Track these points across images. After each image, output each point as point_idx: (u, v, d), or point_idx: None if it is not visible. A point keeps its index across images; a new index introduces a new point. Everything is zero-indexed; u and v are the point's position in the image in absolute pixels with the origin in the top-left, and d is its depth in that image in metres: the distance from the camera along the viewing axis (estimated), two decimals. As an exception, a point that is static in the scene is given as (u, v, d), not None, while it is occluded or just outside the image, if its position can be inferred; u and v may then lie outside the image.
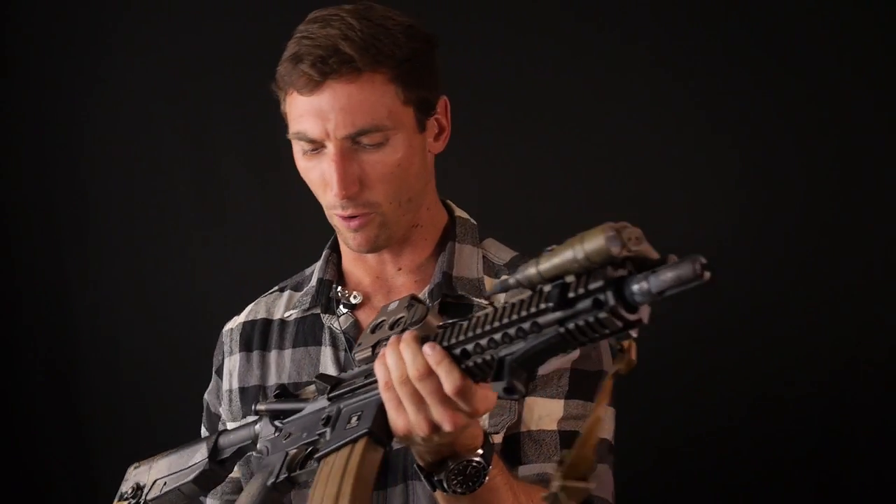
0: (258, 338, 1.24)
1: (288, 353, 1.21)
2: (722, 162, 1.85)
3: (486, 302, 1.13)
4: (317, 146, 1.08)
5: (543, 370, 1.11)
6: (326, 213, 1.13)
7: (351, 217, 1.09)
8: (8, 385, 2.13)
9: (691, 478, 1.86)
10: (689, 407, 1.84)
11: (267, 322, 1.25)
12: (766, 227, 1.85)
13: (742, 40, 1.81)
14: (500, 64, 1.87)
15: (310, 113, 1.06)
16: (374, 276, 1.19)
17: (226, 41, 2.00)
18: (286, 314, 1.23)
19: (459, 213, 1.23)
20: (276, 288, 1.29)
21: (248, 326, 1.26)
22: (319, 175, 1.09)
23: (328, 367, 1.16)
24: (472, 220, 1.23)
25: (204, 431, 1.31)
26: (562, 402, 1.13)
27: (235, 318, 1.29)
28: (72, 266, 2.11)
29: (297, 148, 1.11)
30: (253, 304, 1.29)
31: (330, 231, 1.92)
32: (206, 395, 1.31)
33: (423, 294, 1.14)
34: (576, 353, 1.12)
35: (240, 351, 1.25)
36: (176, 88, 2.03)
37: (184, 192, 2.06)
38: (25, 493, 2.16)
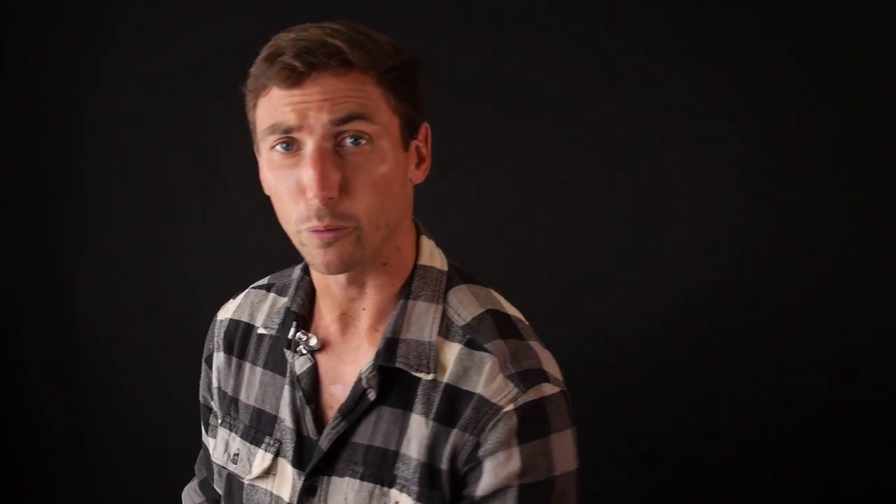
0: (238, 343, 1.18)
1: (259, 371, 1.15)
2: (719, 166, 1.85)
3: (428, 376, 1.03)
4: (292, 144, 0.97)
5: (481, 490, 1.00)
6: (293, 234, 1.02)
7: (325, 230, 0.98)
8: (8, 385, 2.13)
9: (685, 481, 1.86)
10: (682, 411, 1.85)
11: (248, 328, 1.18)
12: (763, 232, 1.84)
13: (755, 35, 1.80)
14: (496, 64, 1.87)
15: (289, 105, 0.96)
16: (341, 311, 1.09)
17: (226, 39, 1.99)
18: (261, 329, 1.16)
19: (424, 259, 1.10)
20: (265, 282, 1.22)
21: (232, 326, 1.19)
22: (292, 184, 0.98)
23: (285, 406, 1.10)
24: (439, 267, 1.10)
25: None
26: None
27: (229, 304, 1.23)
28: (72, 265, 2.10)
29: (266, 155, 1.01)
30: (243, 295, 1.22)
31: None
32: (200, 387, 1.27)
33: (370, 359, 1.05)
34: (516, 465, 0.99)
35: (224, 351, 1.20)
36: (175, 87, 2.02)
37: (184, 192, 2.05)
38: (25, 493, 2.16)
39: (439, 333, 1.06)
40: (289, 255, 2.02)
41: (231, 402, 1.17)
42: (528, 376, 1.02)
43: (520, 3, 1.86)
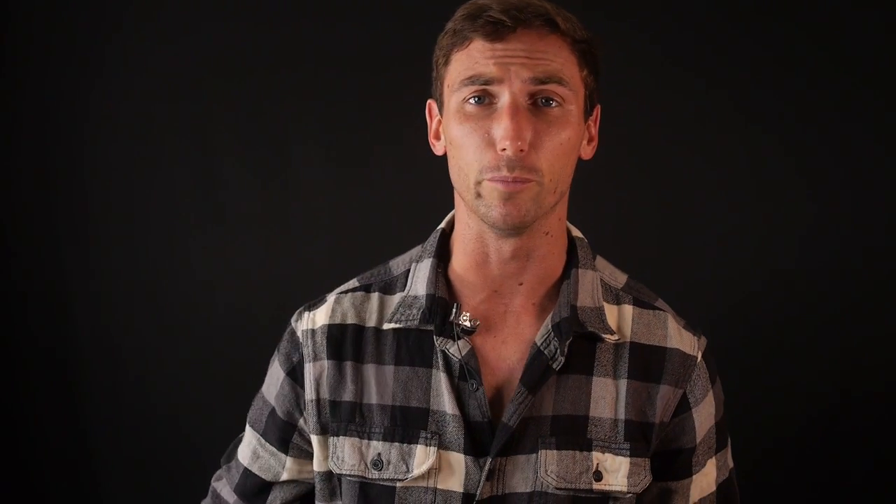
0: (351, 346, 1.12)
1: (390, 369, 1.10)
2: (724, 176, 1.86)
3: (613, 337, 1.09)
4: (485, 98, 1.00)
5: (698, 437, 1.11)
6: (470, 186, 1.02)
7: (512, 181, 0.99)
8: (8, 384, 2.13)
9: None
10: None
11: (359, 329, 1.12)
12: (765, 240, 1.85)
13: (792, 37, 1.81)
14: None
15: (491, 57, 0.98)
16: (492, 289, 1.09)
17: (226, 41, 2.00)
18: (385, 325, 1.12)
19: (575, 231, 1.15)
20: (357, 284, 1.17)
21: (335, 330, 1.13)
22: (482, 135, 1.00)
23: (442, 394, 1.07)
24: (585, 238, 1.16)
25: (252, 437, 1.21)
26: (714, 458, 1.14)
27: (309, 314, 1.16)
28: (71, 265, 2.10)
29: (456, 107, 1.02)
30: (332, 300, 1.15)
31: (335, 230, 1.90)
32: (270, 399, 1.18)
33: (547, 326, 1.07)
34: (713, 406, 1.13)
35: (328, 358, 1.12)
36: (176, 88, 2.02)
37: (184, 191, 2.05)
38: (25, 493, 2.16)
39: (603, 299, 1.11)
40: (289, 253, 2.03)
41: (352, 409, 1.11)
42: (693, 327, 1.14)
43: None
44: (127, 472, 2.14)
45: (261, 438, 1.19)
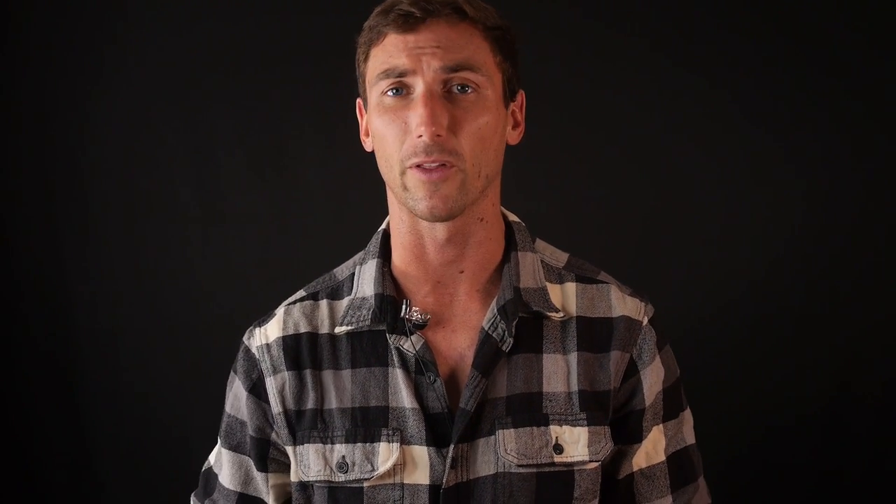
0: (308, 355, 1.12)
1: (347, 373, 1.11)
2: (721, 170, 1.86)
3: (558, 315, 1.10)
4: (402, 89, 1.03)
5: (647, 400, 1.11)
6: (396, 178, 1.04)
7: (433, 168, 1.01)
8: (8, 384, 2.13)
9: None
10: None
11: (313, 336, 1.13)
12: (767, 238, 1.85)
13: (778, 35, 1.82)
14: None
15: (404, 49, 1.01)
16: (434, 280, 1.11)
17: (226, 41, 2.00)
18: (337, 329, 1.13)
19: (511, 216, 1.17)
20: (304, 294, 1.18)
21: (290, 341, 1.13)
22: (400, 125, 1.02)
23: (400, 391, 1.08)
24: (522, 222, 1.18)
25: (236, 459, 1.18)
26: (661, 427, 1.14)
27: (260, 330, 1.16)
28: (71, 263, 2.10)
29: (376, 101, 1.04)
30: (282, 313, 1.16)
31: (335, 229, 1.90)
32: (243, 419, 1.17)
33: (493, 310, 1.09)
34: (662, 371, 1.13)
35: (288, 369, 1.12)
36: (176, 88, 2.02)
37: (184, 192, 2.05)
38: (26, 493, 2.16)
39: (546, 279, 1.13)
40: (290, 253, 2.03)
41: (314, 415, 1.11)
42: (640, 294, 1.15)
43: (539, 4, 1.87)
44: (127, 471, 2.14)
45: (246, 459, 1.17)
